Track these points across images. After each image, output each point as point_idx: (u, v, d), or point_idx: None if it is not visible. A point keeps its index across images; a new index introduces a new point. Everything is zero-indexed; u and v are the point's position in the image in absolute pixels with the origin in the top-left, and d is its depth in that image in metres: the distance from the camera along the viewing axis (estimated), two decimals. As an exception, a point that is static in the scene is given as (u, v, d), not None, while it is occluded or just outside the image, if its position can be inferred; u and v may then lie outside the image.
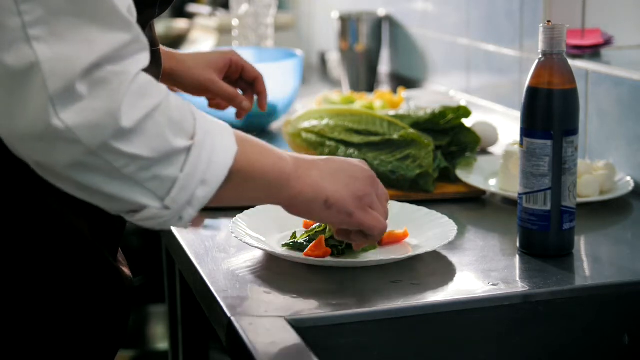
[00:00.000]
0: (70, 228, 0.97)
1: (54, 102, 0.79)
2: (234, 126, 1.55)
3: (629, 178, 1.41)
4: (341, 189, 1.00)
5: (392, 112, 1.56)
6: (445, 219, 1.21)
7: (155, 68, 1.06)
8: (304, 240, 1.15)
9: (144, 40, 0.85)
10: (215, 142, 0.88)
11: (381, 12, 2.41)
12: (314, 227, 1.17)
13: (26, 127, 0.80)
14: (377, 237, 1.05)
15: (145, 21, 1.00)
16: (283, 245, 1.16)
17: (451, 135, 1.49)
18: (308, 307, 1.01)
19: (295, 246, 1.15)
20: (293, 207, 1.00)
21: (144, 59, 0.85)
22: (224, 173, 0.89)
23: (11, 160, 0.89)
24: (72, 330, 0.99)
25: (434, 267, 1.13)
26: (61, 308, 0.98)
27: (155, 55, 1.05)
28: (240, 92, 1.46)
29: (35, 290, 0.96)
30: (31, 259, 0.95)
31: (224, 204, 0.94)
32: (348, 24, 2.35)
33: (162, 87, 0.86)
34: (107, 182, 0.83)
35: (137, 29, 0.84)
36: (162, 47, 1.35)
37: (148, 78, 0.85)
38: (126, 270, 1.08)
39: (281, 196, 0.98)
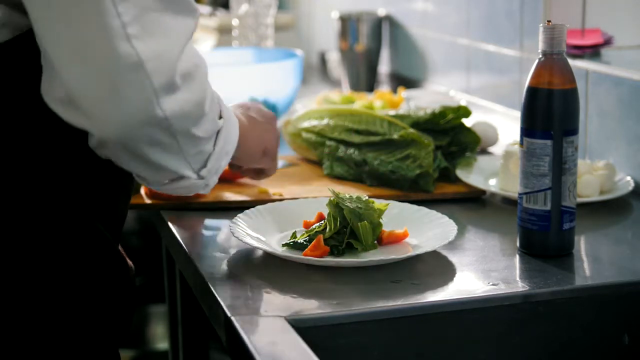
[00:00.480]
0: (78, 215, 0.98)
1: (158, 95, 0.86)
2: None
3: (629, 178, 1.41)
4: (272, 138, 1.21)
5: (392, 112, 1.56)
6: (445, 219, 1.21)
7: None
8: (304, 240, 1.15)
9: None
10: (230, 117, 1.01)
11: (381, 12, 2.41)
12: (314, 227, 1.17)
13: (130, 116, 0.86)
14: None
15: None
16: (283, 245, 1.16)
17: (451, 135, 1.49)
18: (308, 307, 1.01)
19: (295, 246, 1.15)
20: (239, 158, 1.15)
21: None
22: (236, 142, 1.03)
23: (18, 150, 0.91)
24: (77, 319, 0.99)
25: (434, 267, 1.13)
26: (68, 293, 0.98)
27: None
28: None
29: (40, 277, 0.97)
30: (37, 247, 0.96)
31: None
32: (348, 24, 2.35)
33: None
34: (167, 157, 0.92)
35: (198, 8, 0.93)
36: None
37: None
38: (129, 261, 1.08)
39: (236, 152, 1.07)
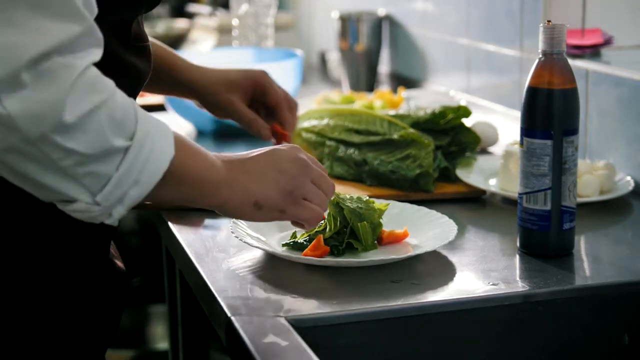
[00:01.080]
0: (62, 220, 0.96)
1: None
2: (235, 127, 1.54)
3: (629, 178, 1.41)
4: (269, 188, 1.01)
5: (392, 112, 1.56)
6: (445, 219, 1.21)
7: (146, 62, 1.06)
8: (304, 240, 1.15)
9: (98, 35, 0.85)
10: (154, 144, 0.89)
11: (381, 12, 2.41)
12: (314, 227, 1.17)
13: None
14: (314, 225, 1.07)
15: (131, 17, 1.00)
16: (283, 245, 1.16)
17: (451, 135, 1.49)
18: (308, 307, 1.01)
19: (295, 246, 1.15)
20: (224, 211, 1.01)
21: (96, 54, 0.85)
22: (158, 176, 0.89)
23: None
24: (64, 322, 0.99)
25: (434, 267, 1.13)
26: (54, 299, 0.98)
27: (145, 51, 1.05)
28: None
29: (28, 283, 0.96)
30: (24, 253, 0.96)
31: (159, 203, 0.93)
32: (348, 24, 2.35)
33: (110, 83, 0.86)
34: (41, 171, 0.83)
35: (91, 22, 0.84)
36: (185, 60, 1.32)
37: (96, 72, 0.85)
38: (119, 263, 1.08)
39: (212, 202, 0.99)
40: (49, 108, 0.81)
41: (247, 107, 1.35)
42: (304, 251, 1.13)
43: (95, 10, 0.87)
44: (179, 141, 0.93)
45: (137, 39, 1.02)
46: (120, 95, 0.87)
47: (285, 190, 1.02)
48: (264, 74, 1.35)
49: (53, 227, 0.97)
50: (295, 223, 1.07)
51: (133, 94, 1.03)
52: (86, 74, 0.83)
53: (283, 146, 1.06)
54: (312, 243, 1.13)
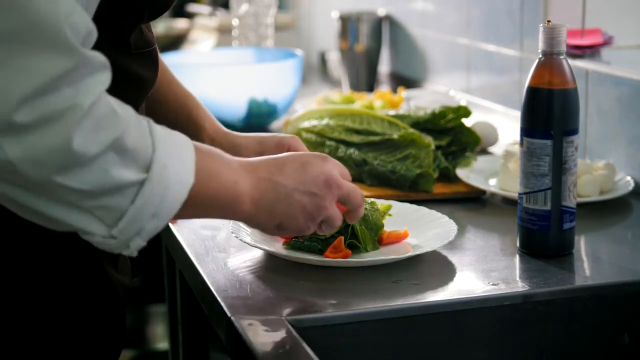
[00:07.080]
0: (66, 237, 0.93)
1: None
2: (235, 127, 1.54)
3: (629, 178, 1.41)
4: (295, 212, 0.98)
5: (392, 112, 1.56)
6: (445, 219, 1.21)
7: (151, 69, 1.02)
8: (305, 240, 1.15)
9: (100, 60, 0.80)
10: (171, 175, 0.85)
11: (381, 12, 2.41)
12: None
13: None
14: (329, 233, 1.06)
15: (132, 26, 0.97)
16: (283, 245, 1.16)
17: (451, 135, 1.50)
18: (308, 307, 1.01)
19: (295, 246, 1.15)
20: (248, 224, 1.00)
21: (103, 81, 0.81)
22: (177, 208, 0.86)
23: None
24: (65, 340, 0.98)
25: (434, 267, 1.13)
26: (55, 319, 0.96)
27: (150, 56, 1.02)
28: None
29: (29, 300, 0.94)
30: (26, 271, 0.94)
31: (178, 219, 0.92)
32: (348, 24, 2.35)
33: (124, 116, 0.82)
34: (50, 206, 0.81)
35: (84, 53, 0.79)
36: (213, 122, 1.25)
37: (106, 108, 0.81)
38: (125, 280, 1.05)
39: (236, 217, 0.97)
40: (52, 154, 0.77)
41: None
42: (325, 253, 1.12)
43: (94, 37, 0.82)
44: (200, 158, 0.89)
45: (140, 46, 0.99)
46: (135, 126, 0.83)
47: (311, 215, 0.99)
48: (296, 141, 1.20)
49: (56, 246, 0.95)
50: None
51: (137, 103, 1.00)
52: (94, 112, 0.79)
53: (313, 157, 1.01)
54: (332, 244, 1.12)
